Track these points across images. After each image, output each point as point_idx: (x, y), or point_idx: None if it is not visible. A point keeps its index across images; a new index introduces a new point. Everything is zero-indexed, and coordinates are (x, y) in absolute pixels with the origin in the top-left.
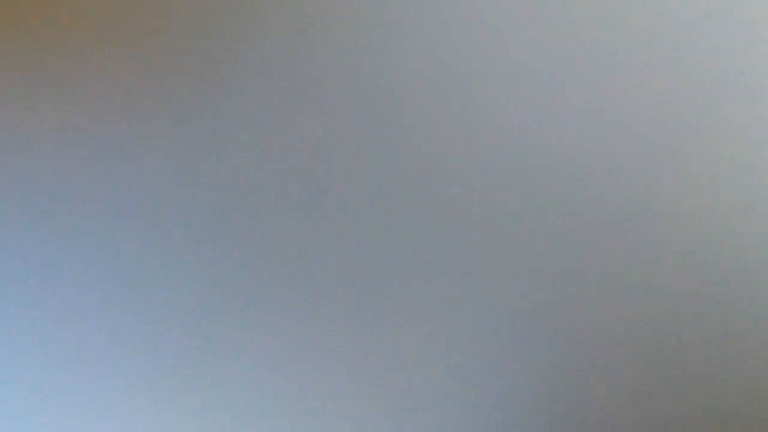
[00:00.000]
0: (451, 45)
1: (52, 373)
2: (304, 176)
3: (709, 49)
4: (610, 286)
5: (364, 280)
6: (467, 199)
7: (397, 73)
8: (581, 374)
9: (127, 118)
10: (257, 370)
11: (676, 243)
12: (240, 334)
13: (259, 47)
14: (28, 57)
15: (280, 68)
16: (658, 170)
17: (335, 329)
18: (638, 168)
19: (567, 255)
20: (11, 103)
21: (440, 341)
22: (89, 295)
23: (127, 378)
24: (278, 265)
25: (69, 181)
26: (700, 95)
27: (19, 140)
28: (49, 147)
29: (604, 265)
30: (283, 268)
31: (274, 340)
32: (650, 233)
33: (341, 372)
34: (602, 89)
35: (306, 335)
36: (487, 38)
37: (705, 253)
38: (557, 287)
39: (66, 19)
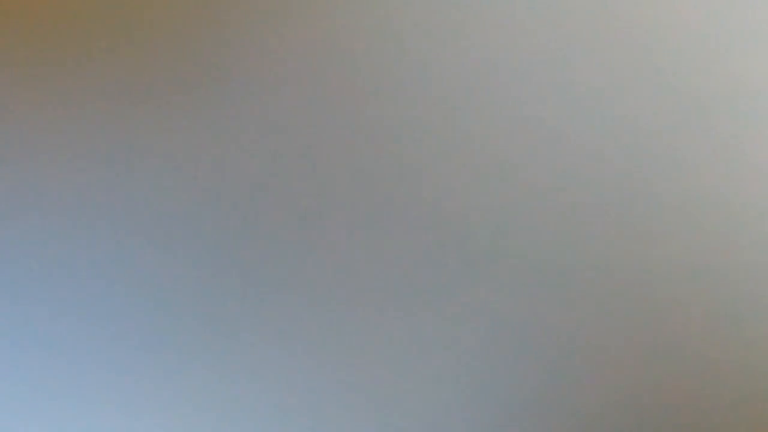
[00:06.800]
0: (450, 46)
1: (50, 375)
2: (303, 179)
3: (710, 48)
4: (610, 286)
5: (363, 283)
6: (466, 200)
7: (398, 75)
8: (582, 374)
9: (126, 122)
10: (257, 372)
11: (676, 243)
12: (239, 336)
13: (259, 50)
14: (31, 59)
15: (279, 71)
16: (658, 170)
17: (334, 332)
18: (637, 168)
19: (567, 255)
20: (13, 103)
21: (440, 342)
22: (88, 296)
23: (124, 380)
24: (278, 267)
25: (68, 184)
26: (701, 95)
27: (20, 141)
28: (49, 148)
29: (604, 265)
30: (283, 270)
31: (274, 342)
32: (650, 232)
33: (340, 374)
34: (601, 89)
35: (304, 337)
36: (486, 38)
37: (705, 253)
38: (557, 287)
39: (67, 21)
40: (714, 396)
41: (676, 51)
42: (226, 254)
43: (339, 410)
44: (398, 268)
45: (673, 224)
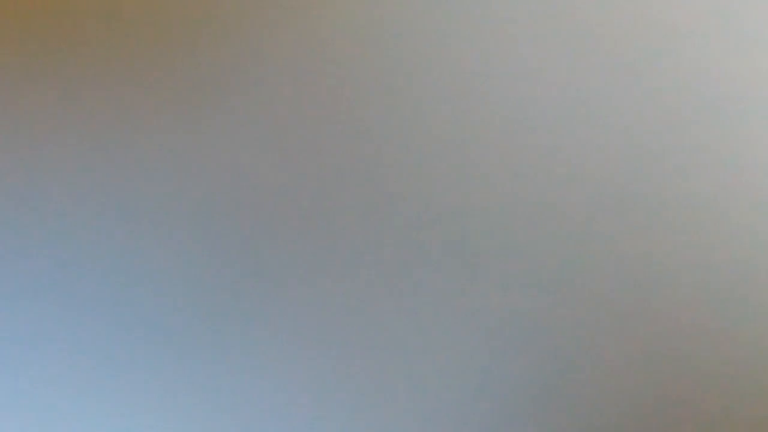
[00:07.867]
0: (449, 46)
1: (51, 374)
2: (306, 178)
3: (710, 47)
4: (610, 286)
5: (364, 282)
6: (467, 200)
7: (399, 75)
8: (582, 373)
9: (129, 122)
10: (258, 370)
11: (676, 242)
12: (241, 335)
13: (262, 51)
14: (34, 59)
15: (282, 72)
16: (658, 170)
17: (335, 330)
18: (637, 168)
19: (568, 255)
20: (17, 103)
21: (441, 341)
22: (91, 294)
23: (127, 379)
24: (280, 266)
25: (72, 184)
26: (701, 94)
27: (22, 141)
28: (53, 148)
29: (605, 264)
30: (285, 269)
31: (275, 340)
32: (651, 232)
33: (341, 372)
34: (601, 89)
35: (306, 335)
36: (487, 38)
37: (705, 252)
38: (557, 287)
39: (70, 21)
40: (714, 396)
41: (677, 51)
42: (228, 253)
43: (340, 409)
44: (400, 266)
45: (674, 224)
